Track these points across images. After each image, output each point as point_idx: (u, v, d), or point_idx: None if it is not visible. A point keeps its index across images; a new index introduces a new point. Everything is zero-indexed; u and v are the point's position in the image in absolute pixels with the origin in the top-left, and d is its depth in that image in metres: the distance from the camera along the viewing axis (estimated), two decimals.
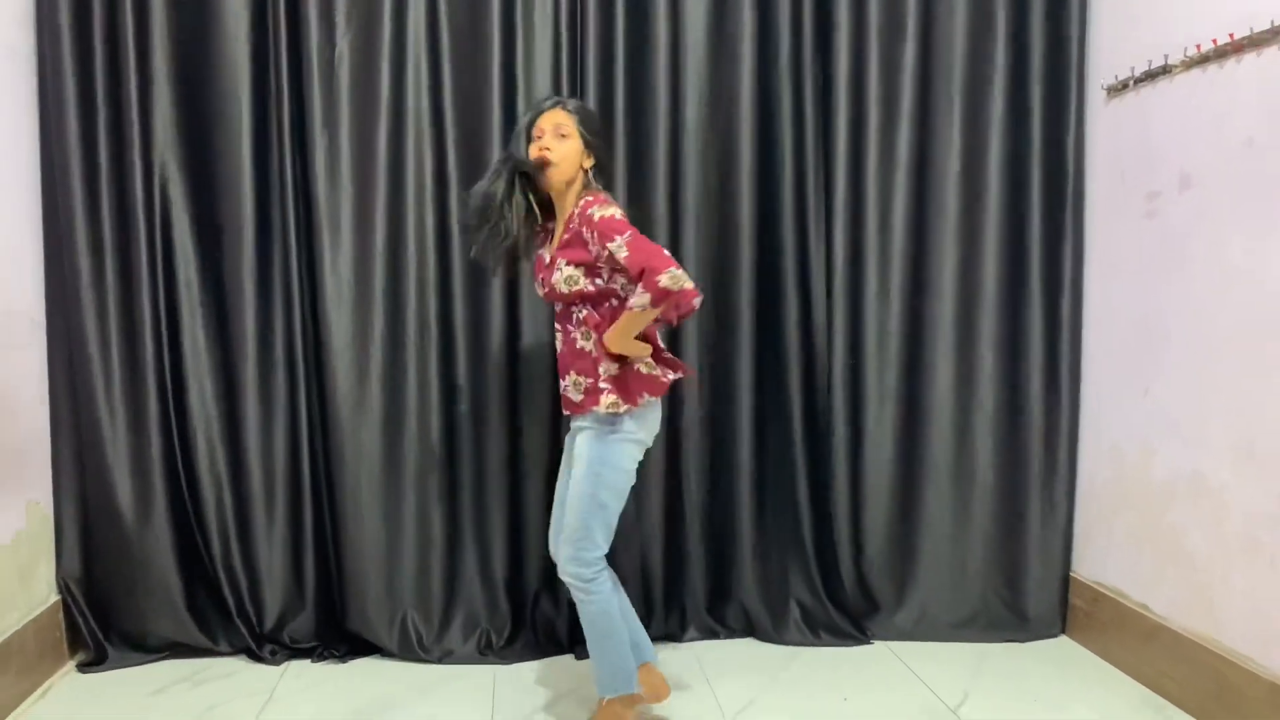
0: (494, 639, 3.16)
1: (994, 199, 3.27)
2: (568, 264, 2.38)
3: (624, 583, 3.19)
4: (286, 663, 3.09)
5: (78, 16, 2.90)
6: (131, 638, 3.07)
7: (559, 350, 2.52)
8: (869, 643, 3.26)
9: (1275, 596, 2.45)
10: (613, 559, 3.19)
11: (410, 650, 3.12)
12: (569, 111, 2.44)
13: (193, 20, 3.01)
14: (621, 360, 2.41)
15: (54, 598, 3.01)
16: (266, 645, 3.11)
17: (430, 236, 3.11)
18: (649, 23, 3.14)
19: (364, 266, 3.09)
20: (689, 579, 3.32)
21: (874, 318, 3.31)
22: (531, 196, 2.47)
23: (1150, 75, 2.89)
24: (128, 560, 3.04)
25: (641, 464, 3.16)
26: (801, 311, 3.25)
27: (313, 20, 3.01)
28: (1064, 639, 3.31)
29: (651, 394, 2.43)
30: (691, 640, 3.27)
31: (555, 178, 2.43)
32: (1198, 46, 2.67)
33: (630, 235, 2.28)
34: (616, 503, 2.47)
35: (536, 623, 3.18)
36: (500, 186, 2.43)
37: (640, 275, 2.24)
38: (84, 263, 2.95)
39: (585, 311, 2.43)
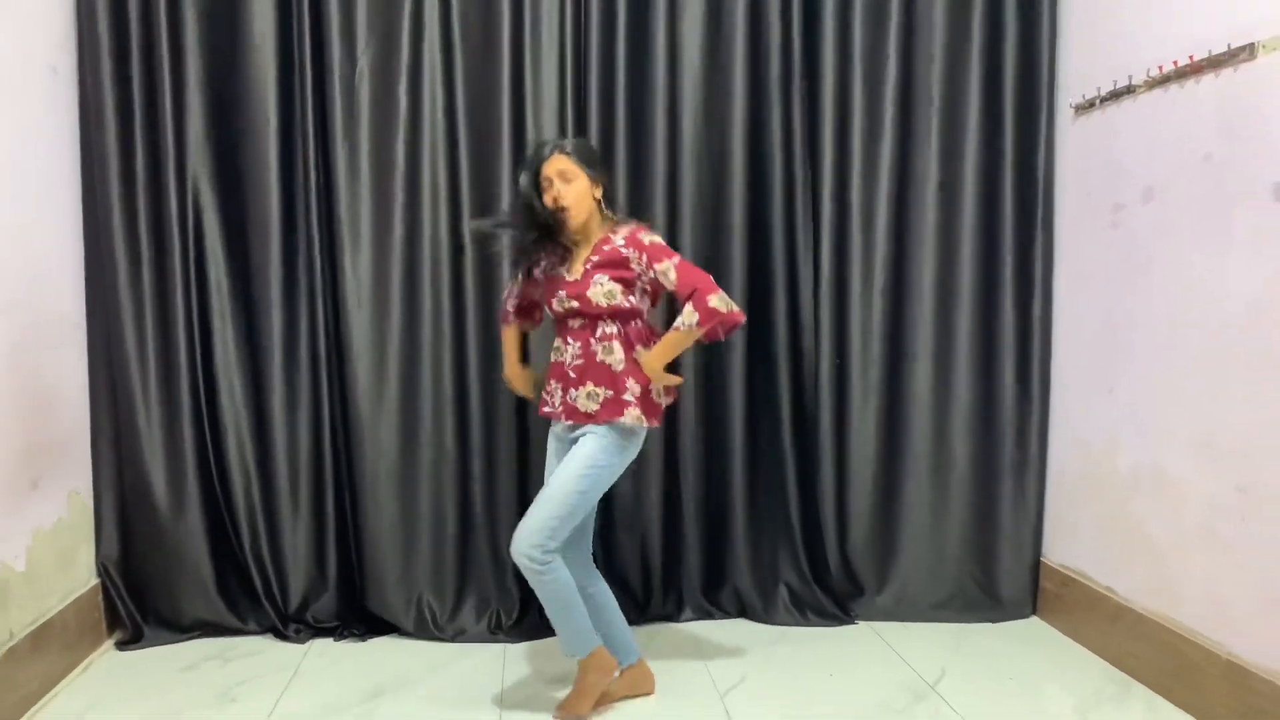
0: (503, 619, 3.18)
1: (970, 209, 3.28)
2: (610, 279, 2.42)
3: (624, 567, 3.25)
4: (310, 641, 3.10)
5: (116, 39, 2.92)
6: (166, 618, 3.09)
7: (571, 362, 2.49)
8: (853, 623, 3.27)
9: (1230, 581, 2.47)
10: (613, 545, 3.24)
11: (425, 629, 3.13)
12: (567, 154, 2.45)
13: (223, 41, 3.03)
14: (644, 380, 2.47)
15: (93, 581, 3.02)
16: (291, 625, 3.13)
17: (445, 244, 3.13)
18: (649, 43, 3.16)
19: (382, 272, 3.11)
20: (685, 563, 3.34)
21: (858, 318, 3.32)
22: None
23: (1115, 94, 2.90)
24: (162, 546, 3.06)
25: (641, 455, 3.20)
26: (790, 313, 3.26)
27: (335, 41, 3.03)
28: (1035, 620, 3.32)
29: (658, 420, 2.53)
30: (688, 621, 3.29)
31: (575, 219, 2.45)
32: (1160, 68, 2.69)
33: (678, 260, 2.42)
34: (589, 505, 2.49)
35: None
36: (531, 237, 2.48)
37: (690, 296, 2.37)
38: (121, 268, 2.96)
39: (614, 327, 2.46)
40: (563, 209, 2.44)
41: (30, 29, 2.73)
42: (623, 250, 2.45)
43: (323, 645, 3.09)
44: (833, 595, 3.32)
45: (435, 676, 2.86)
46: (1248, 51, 2.39)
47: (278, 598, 3.15)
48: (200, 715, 2.60)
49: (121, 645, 3.02)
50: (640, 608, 3.26)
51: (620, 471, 2.51)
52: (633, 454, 2.52)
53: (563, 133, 3.10)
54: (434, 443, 3.17)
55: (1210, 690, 2.50)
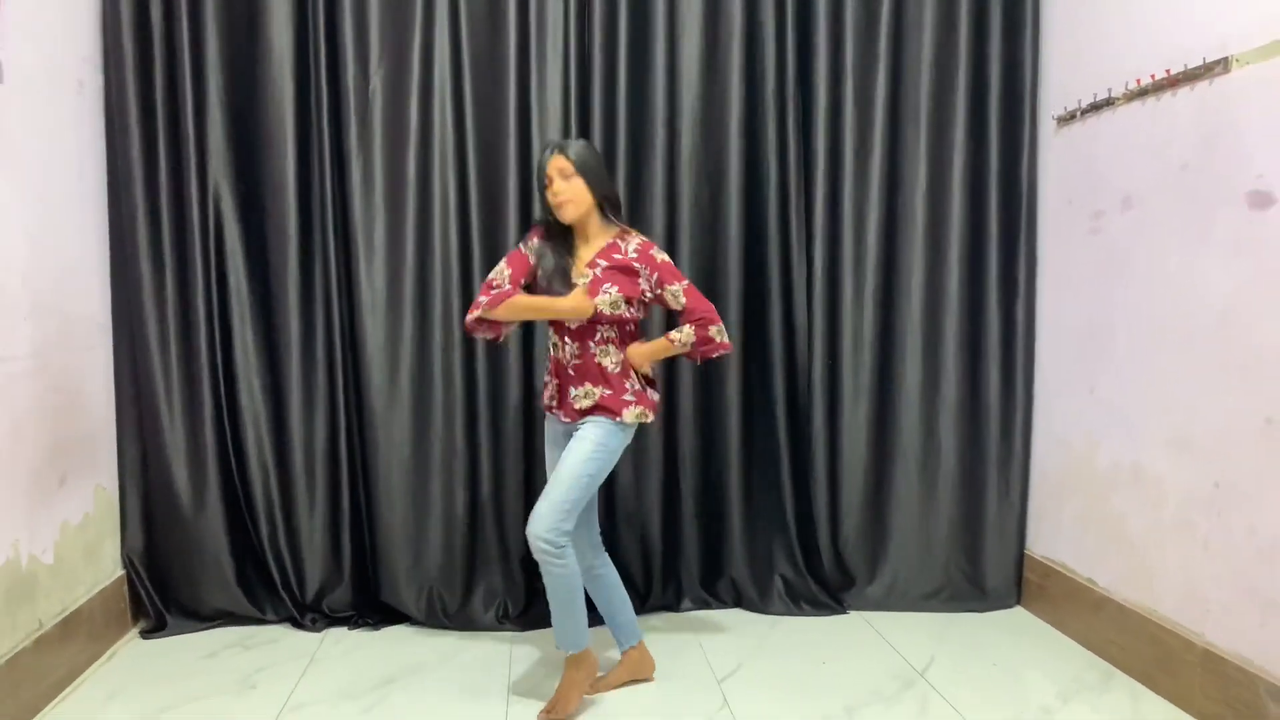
0: (511, 609, 3.16)
1: (957, 217, 3.27)
2: (617, 290, 2.41)
3: (626, 559, 3.23)
4: (326, 630, 3.09)
5: (140, 54, 2.91)
6: (188, 607, 3.08)
7: (570, 362, 2.47)
8: (845, 612, 3.26)
9: (1206, 573, 2.45)
10: (615, 538, 3.23)
11: (436, 619, 3.12)
12: (566, 154, 2.42)
13: (243, 57, 3.02)
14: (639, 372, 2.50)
15: (119, 572, 3.01)
16: (308, 614, 3.11)
17: (454, 251, 3.11)
18: (649, 60, 3.15)
19: (395, 277, 3.10)
20: (684, 555, 3.32)
21: (850, 322, 3.31)
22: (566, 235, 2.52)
23: (1096, 106, 2.88)
24: (185, 538, 3.05)
25: (641, 452, 3.20)
26: (784, 316, 3.25)
27: (349, 58, 3.02)
28: (1019, 610, 3.30)
29: (656, 411, 2.54)
30: (687, 610, 3.27)
31: (572, 212, 2.43)
32: (1138, 81, 2.67)
33: (687, 284, 2.48)
34: (596, 487, 2.47)
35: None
36: (550, 254, 2.49)
37: (696, 320, 2.45)
38: (146, 272, 2.96)
39: (612, 332, 2.45)
40: (559, 203, 2.42)
41: (58, 46, 2.72)
42: (635, 264, 2.45)
43: (338, 634, 3.07)
44: (825, 586, 3.30)
45: (445, 665, 2.84)
46: (1222, 65, 2.37)
47: (295, 588, 3.14)
48: (221, 701, 2.59)
49: (145, 634, 3.01)
50: (641, 598, 3.23)
51: (622, 451, 2.50)
52: (630, 437, 2.52)
53: None
54: (444, 439, 3.16)
55: (1188, 678, 2.48)
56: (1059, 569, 3.11)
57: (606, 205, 2.49)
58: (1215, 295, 2.42)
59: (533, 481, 3.17)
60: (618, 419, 2.44)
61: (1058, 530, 3.15)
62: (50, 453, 2.62)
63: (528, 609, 3.16)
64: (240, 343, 3.09)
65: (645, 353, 2.50)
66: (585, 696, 2.56)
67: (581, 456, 2.39)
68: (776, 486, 3.30)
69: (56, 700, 2.55)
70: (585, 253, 2.49)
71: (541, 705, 2.53)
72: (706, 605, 3.30)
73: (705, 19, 3.16)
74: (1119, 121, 2.80)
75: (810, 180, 3.27)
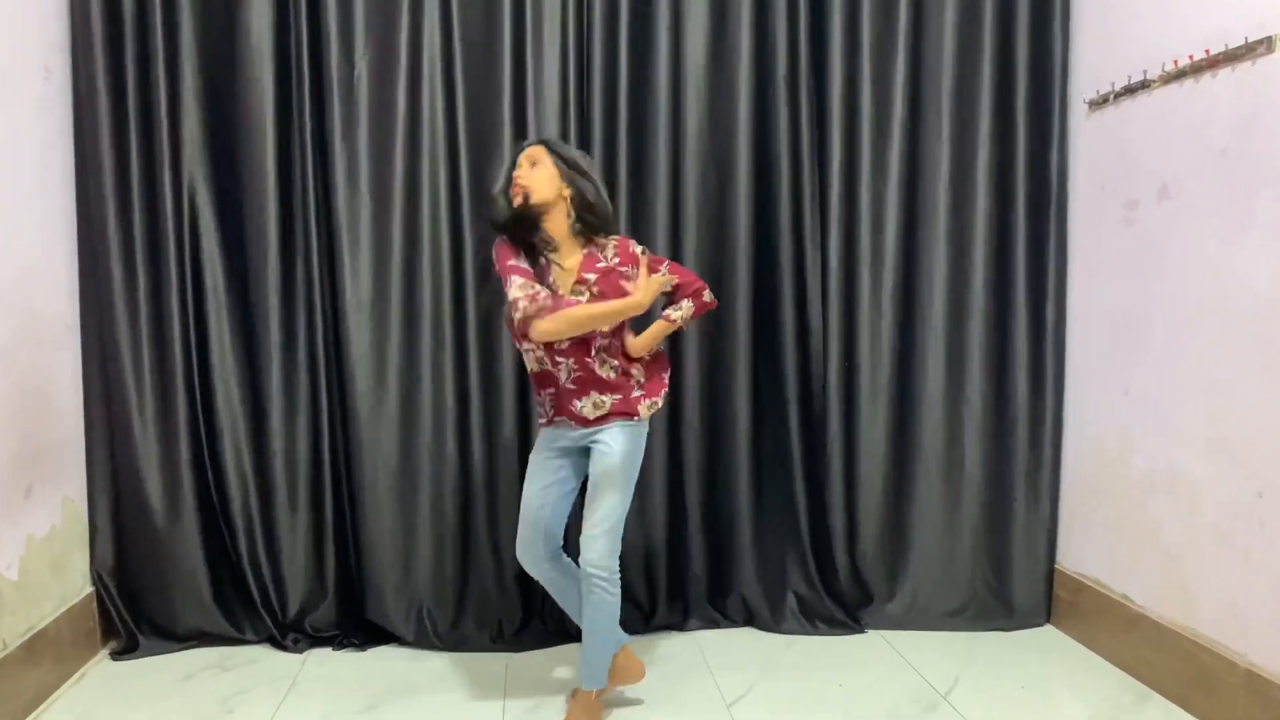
0: (506, 628, 3.17)
1: (981, 207, 3.28)
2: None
3: (628, 574, 3.20)
4: (308, 651, 3.10)
5: (110, 39, 2.93)
6: (161, 627, 3.09)
7: (568, 377, 2.46)
8: (862, 632, 3.26)
9: (1248, 586, 2.46)
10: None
11: (426, 639, 3.13)
12: (542, 144, 2.44)
13: (220, 42, 3.04)
14: (639, 361, 2.54)
15: (88, 589, 3.03)
16: (289, 634, 3.12)
17: (445, 247, 3.13)
18: (652, 43, 3.16)
19: (382, 275, 3.12)
20: (691, 570, 3.33)
21: (867, 321, 3.32)
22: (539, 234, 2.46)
23: (1130, 89, 2.90)
24: (158, 553, 3.06)
25: (645, 460, 3.20)
26: (797, 314, 3.26)
27: (333, 43, 3.04)
28: (1049, 628, 3.30)
29: (666, 388, 2.60)
30: (694, 630, 3.28)
31: (532, 200, 2.38)
32: (1175, 62, 2.68)
33: (668, 264, 2.59)
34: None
35: (546, 613, 3.18)
36: (499, 222, 2.45)
37: (691, 293, 2.56)
38: (116, 270, 2.98)
39: (609, 340, 2.47)
40: (520, 190, 2.39)
41: (23, 29, 2.75)
42: (620, 269, 2.47)
43: (321, 655, 3.09)
44: (842, 603, 3.31)
45: (436, 688, 2.85)
46: (1265, 45, 2.38)
47: (275, 606, 3.15)
48: None
49: (116, 655, 3.02)
50: (645, 616, 3.26)
51: (644, 449, 2.58)
52: (648, 428, 2.58)
53: (564, 135, 3.11)
54: (434, 448, 3.17)
55: (1230, 700, 2.48)
56: (1091, 584, 3.12)
57: (576, 207, 2.42)
58: (1257, 286, 2.43)
59: None
60: (636, 418, 2.48)
61: (1089, 541, 3.16)
62: (14, 461, 2.64)
63: (524, 628, 3.18)
64: (217, 344, 3.10)
65: (645, 343, 2.55)
66: None
67: (616, 468, 2.43)
68: (789, 497, 3.31)
69: None
70: (562, 263, 2.44)
71: None
72: (715, 624, 3.31)
73: None
74: (1155, 105, 2.81)
75: (825, 170, 3.28)
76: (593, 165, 2.53)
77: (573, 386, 2.46)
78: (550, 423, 2.55)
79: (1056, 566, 3.32)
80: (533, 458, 2.61)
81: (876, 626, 3.30)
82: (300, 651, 3.09)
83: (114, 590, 3.05)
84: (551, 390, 2.50)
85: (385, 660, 3.06)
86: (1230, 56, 2.49)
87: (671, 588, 3.32)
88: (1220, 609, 2.56)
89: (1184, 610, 2.69)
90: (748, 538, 3.33)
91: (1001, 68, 3.24)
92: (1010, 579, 3.33)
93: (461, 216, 3.14)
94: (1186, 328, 2.69)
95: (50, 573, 2.81)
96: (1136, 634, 2.87)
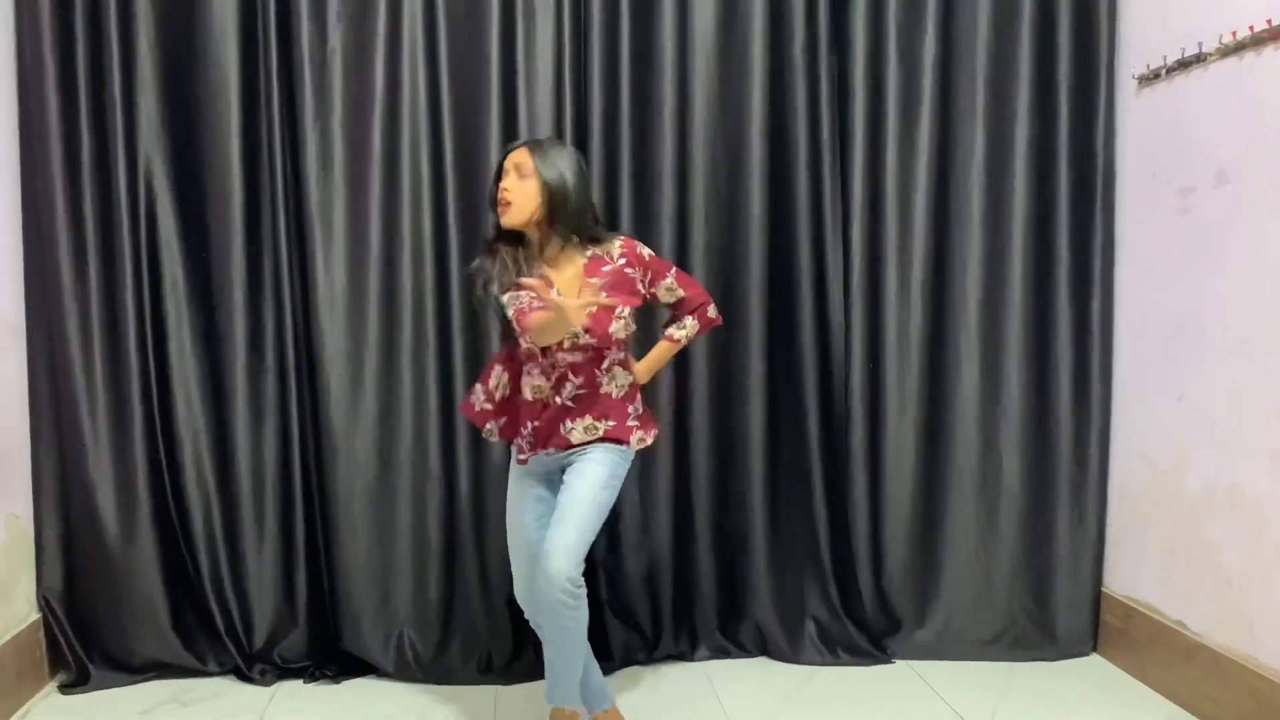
0: (494, 658, 3.16)
1: (1020, 194, 3.26)
2: (629, 312, 2.43)
3: (630, 599, 3.26)
4: (277, 683, 3.09)
5: (58, 6, 2.91)
6: (115, 657, 3.08)
7: (568, 396, 2.44)
8: (890, 662, 3.25)
9: None
10: (618, 574, 3.22)
11: (407, 670, 3.12)
12: (533, 150, 2.40)
13: (178, 11, 3.02)
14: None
15: (34, 615, 3.02)
16: (256, 665, 3.11)
17: (427, 238, 3.12)
18: (656, 11, 3.14)
19: (358, 269, 3.10)
20: (699, 595, 3.32)
21: (894, 319, 3.31)
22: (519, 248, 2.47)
23: (1184, 64, 2.88)
24: (111, 576, 3.05)
25: (649, 474, 3.21)
26: (817, 313, 3.25)
27: (304, 11, 3.02)
28: (1095, 657, 3.29)
29: (657, 428, 2.62)
30: (703, 659, 3.26)
31: (513, 217, 2.39)
32: (1234, 33, 2.66)
33: (675, 271, 2.58)
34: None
35: (538, 642, 3.15)
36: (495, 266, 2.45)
37: (695, 309, 2.58)
38: (65, 263, 2.96)
39: (620, 354, 2.49)
40: (505, 203, 2.39)
41: None
42: (628, 271, 2.46)
43: (291, 688, 3.07)
44: (866, 630, 3.30)
45: None
46: None
47: (240, 634, 3.14)
48: None
49: (65, 688, 3.01)
50: (648, 645, 3.25)
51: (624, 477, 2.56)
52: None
53: (558, 116, 3.10)
54: (416, 460, 3.16)
55: None
56: (1142, 609, 3.10)
57: (559, 226, 2.41)
58: None
59: None
60: (626, 445, 2.49)
61: (1140, 564, 3.14)
62: None
63: (515, 658, 3.16)
64: (176, 346, 3.09)
65: (650, 366, 2.63)
66: None
67: (597, 483, 2.41)
68: (808, 514, 3.29)
69: None
70: (558, 277, 2.43)
71: None
72: (726, 653, 3.30)
73: None
74: (1211, 81, 2.80)
75: (847, 154, 3.26)
76: (583, 168, 2.48)
77: (571, 405, 2.45)
78: (527, 449, 2.50)
79: (1103, 590, 3.31)
80: (512, 486, 2.59)
81: (905, 656, 3.29)
82: (268, 684, 3.08)
83: (63, 617, 3.04)
84: (536, 422, 2.46)
85: (362, 693, 3.05)
86: None
87: (678, 613, 3.30)
88: None
89: (1246, 640, 2.67)
90: (762, 559, 3.32)
91: (1041, 39, 3.23)
92: (1052, 604, 3.32)
93: (445, 203, 3.12)
94: (1247, 329, 2.67)
95: None
96: (1192, 665, 2.85)
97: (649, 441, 2.56)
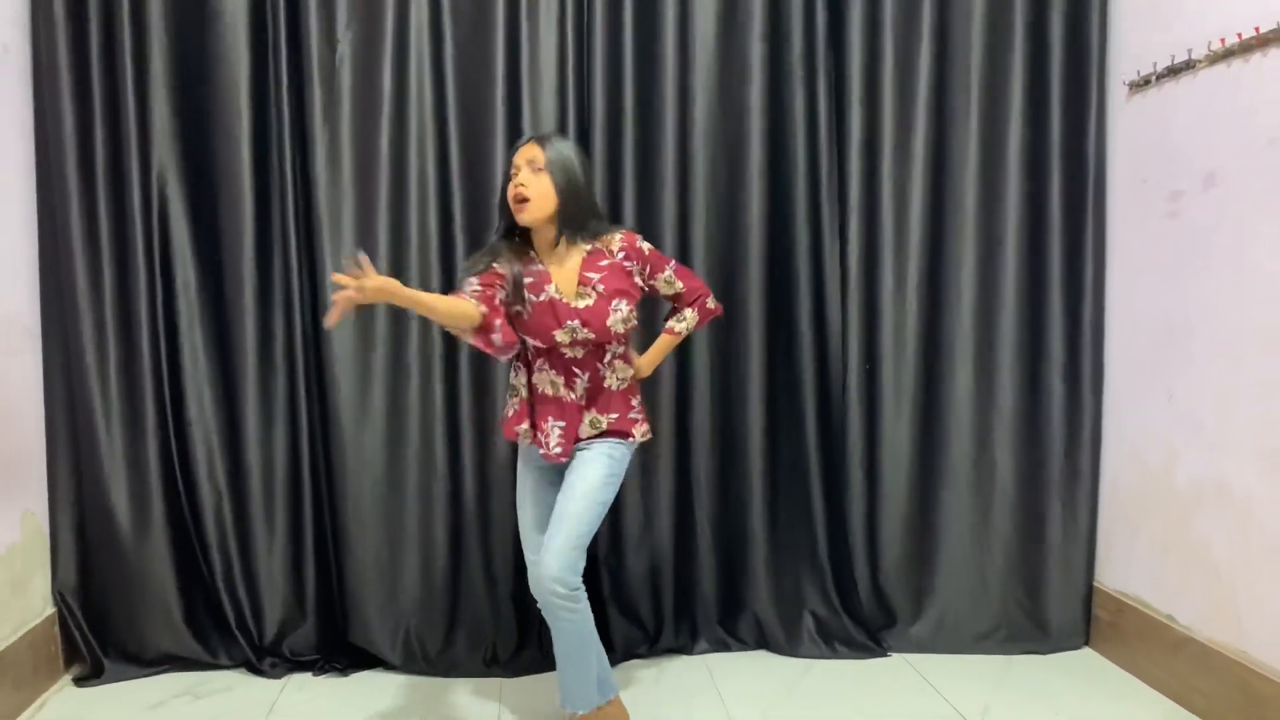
0: (500, 651, 3.18)
1: (1013, 198, 3.28)
2: (627, 305, 2.44)
3: (632, 594, 3.27)
4: (287, 676, 3.10)
5: (73, 15, 2.93)
6: (128, 651, 3.09)
7: (580, 393, 2.47)
8: (885, 655, 3.27)
9: None
10: (620, 570, 3.24)
11: (414, 663, 3.13)
12: (542, 145, 2.41)
13: (191, 18, 3.04)
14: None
15: (49, 610, 3.03)
16: (266, 658, 3.13)
17: (434, 239, 3.14)
18: (658, 16, 3.16)
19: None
20: (699, 589, 3.33)
21: (890, 318, 3.32)
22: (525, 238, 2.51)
23: (1173, 71, 2.90)
24: (125, 572, 3.07)
25: (650, 471, 3.21)
26: (815, 312, 3.26)
27: (313, 20, 3.04)
28: (1087, 650, 3.31)
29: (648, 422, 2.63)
30: (702, 652, 3.28)
31: (532, 213, 2.39)
32: (1222, 41, 2.68)
33: (674, 264, 2.60)
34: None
35: (544, 635, 3.17)
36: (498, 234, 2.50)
37: (694, 301, 2.61)
38: (80, 266, 2.98)
39: (623, 349, 2.51)
40: (522, 199, 2.38)
41: None
42: (626, 264, 2.48)
43: (301, 680, 3.09)
44: (863, 624, 3.31)
45: (425, 715, 2.86)
46: None
47: (251, 629, 3.16)
48: None
49: (80, 681, 3.03)
50: (649, 639, 3.26)
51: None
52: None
53: (562, 118, 3.12)
54: (423, 458, 3.18)
55: None
56: (1133, 604, 3.12)
57: (570, 220, 2.42)
58: None
59: None
60: (630, 439, 2.51)
61: (1131, 559, 3.16)
62: None
63: (519, 651, 3.18)
64: (188, 347, 3.11)
65: (652, 360, 2.68)
66: None
67: (596, 481, 2.42)
68: (806, 509, 3.31)
69: None
70: (557, 271, 2.45)
71: None
72: (725, 647, 3.32)
73: None
74: (1200, 87, 2.81)
75: (844, 156, 3.28)
76: (586, 161, 2.52)
77: (582, 402, 2.48)
78: (539, 446, 2.50)
79: (1095, 585, 3.33)
80: (522, 479, 2.61)
81: (901, 649, 3.30)
82: (278, 677, 3.09)
83: (78, 611, 3.06)
84: (562, 422, 2.46)
85: (370, 686, 3.06)
86: None
87: (679, 607, 3.32)
88: (1274, 631, 2.56)
89: (1235, 632, 2.70)
90: (761, 553, 3.33)
91: (1035, 46, 3.24)
92: (1045, 598, 3.34)
93: (452, 204, 3.14)
94: (1235, 329, 2.69)
95: (8, 593, 2.81)
96: (1182, 657, 2.87)
97: (649, 435, 2.60)
